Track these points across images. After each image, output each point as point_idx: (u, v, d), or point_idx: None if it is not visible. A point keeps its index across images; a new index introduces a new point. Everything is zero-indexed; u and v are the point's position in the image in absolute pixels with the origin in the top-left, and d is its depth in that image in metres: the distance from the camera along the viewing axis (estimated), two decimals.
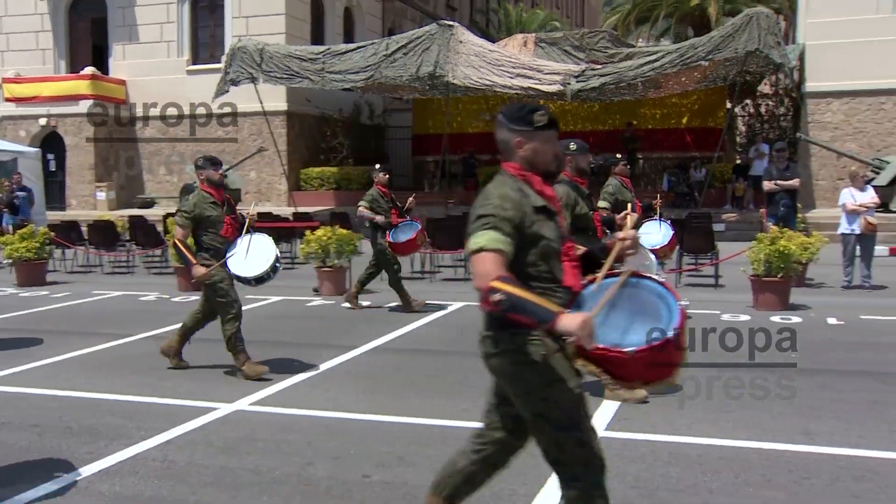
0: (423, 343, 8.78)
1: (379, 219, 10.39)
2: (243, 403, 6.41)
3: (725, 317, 9.95)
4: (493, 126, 3.39)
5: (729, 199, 22.89)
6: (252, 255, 7.29)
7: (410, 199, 10.99)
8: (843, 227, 12.10)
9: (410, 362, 7.85)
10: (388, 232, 10.50)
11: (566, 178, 6.44)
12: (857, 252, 12.06)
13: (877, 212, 12.64)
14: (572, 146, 6.44)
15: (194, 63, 27.49)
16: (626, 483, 4.62)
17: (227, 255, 7.19)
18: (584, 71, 19.86)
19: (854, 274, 12.12)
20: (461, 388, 6.70)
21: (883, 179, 19.06)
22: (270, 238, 7.62)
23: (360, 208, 10.55)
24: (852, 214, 11.97)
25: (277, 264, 7.46)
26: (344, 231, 12.65)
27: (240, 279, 7.24)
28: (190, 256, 7.13)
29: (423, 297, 11.01)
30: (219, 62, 24.66)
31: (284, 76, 21.58)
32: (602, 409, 6.05)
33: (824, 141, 22.00)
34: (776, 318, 9.79)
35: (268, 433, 5.62)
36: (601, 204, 9.21)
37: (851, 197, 12.05)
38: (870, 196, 12.13)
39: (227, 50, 23.52)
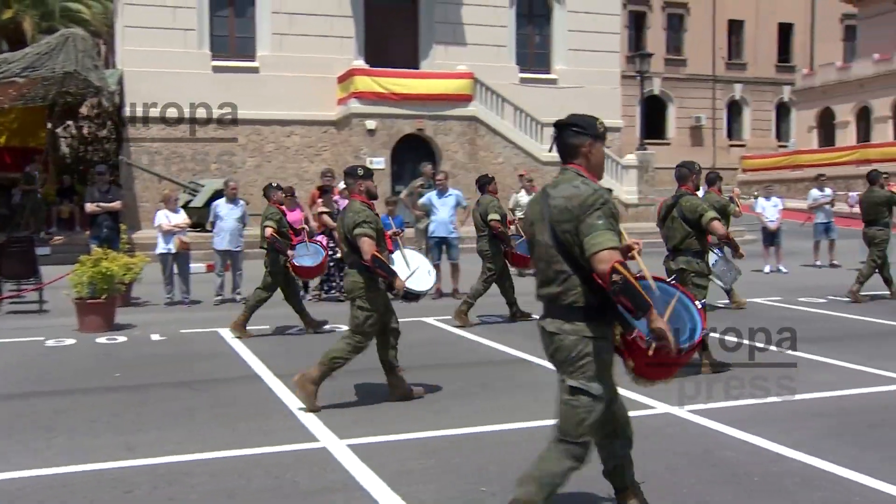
0: None
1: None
2: None
3: (50, 342, 9.80)
4: None
5: (55, 221, 22.27)
6: (413, 268, 7.17)
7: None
8: (161, 247, 12.74)
9: None
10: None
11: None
12: (175, 270, 12.82)
13: (193, 231, 13.68)
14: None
15: None
16: None
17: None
18: None
19: (175, 291, 12.91)
20: None
21: (199, 201, 20.51)
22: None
23: (267, 229, 10.14)
24: (168, 234, 12.73)
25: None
26: None
27: (409, 294, 6.87)
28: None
29: None
30: None
31: None
32: None
33: (145, 164, 22.90)
34: (102, 340, 9.97)
35: None
36: (494, 216, 10.58)
37: (166, 218, 12.82)
38: (182, 217, 13.10)
39: None
